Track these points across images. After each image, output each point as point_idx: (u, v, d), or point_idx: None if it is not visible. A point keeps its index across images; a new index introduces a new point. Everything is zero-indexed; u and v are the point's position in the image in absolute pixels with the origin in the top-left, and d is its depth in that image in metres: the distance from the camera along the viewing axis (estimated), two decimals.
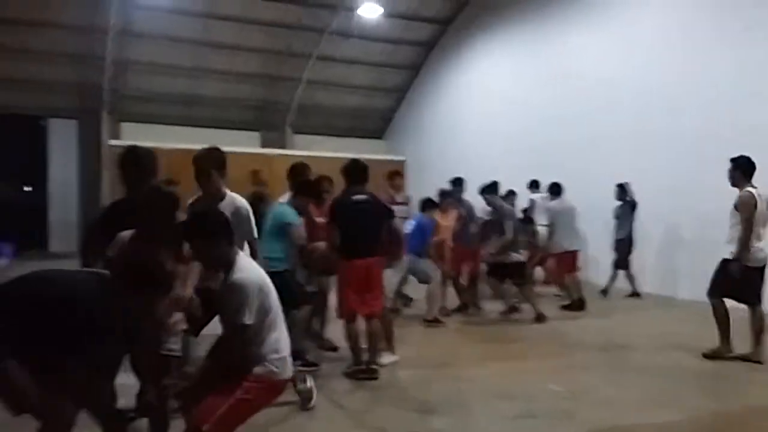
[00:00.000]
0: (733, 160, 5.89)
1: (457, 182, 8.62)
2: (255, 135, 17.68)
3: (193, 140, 15.75)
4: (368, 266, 5.24)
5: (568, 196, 9.11)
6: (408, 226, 7.35)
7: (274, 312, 3.14)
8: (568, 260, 8.78)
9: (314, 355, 5.58)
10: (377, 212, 5.38)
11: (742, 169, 5.82)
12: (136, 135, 13.34)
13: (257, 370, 3.05)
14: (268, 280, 3.17)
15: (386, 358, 5.53)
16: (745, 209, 5.65)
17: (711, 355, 5.87)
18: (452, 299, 8.20)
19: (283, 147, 17.36)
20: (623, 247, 9.44)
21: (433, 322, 7.34)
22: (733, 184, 5.87)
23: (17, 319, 2.48)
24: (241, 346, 3.05)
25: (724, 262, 5.81)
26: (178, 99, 16.34)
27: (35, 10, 13.77)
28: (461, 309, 8.18)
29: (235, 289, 3.00)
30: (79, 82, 15.28)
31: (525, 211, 10.03)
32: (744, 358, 5.75)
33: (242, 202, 4.23)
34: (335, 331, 5.84)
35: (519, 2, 13.80)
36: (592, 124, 11.28)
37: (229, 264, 3.08)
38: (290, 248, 5.27)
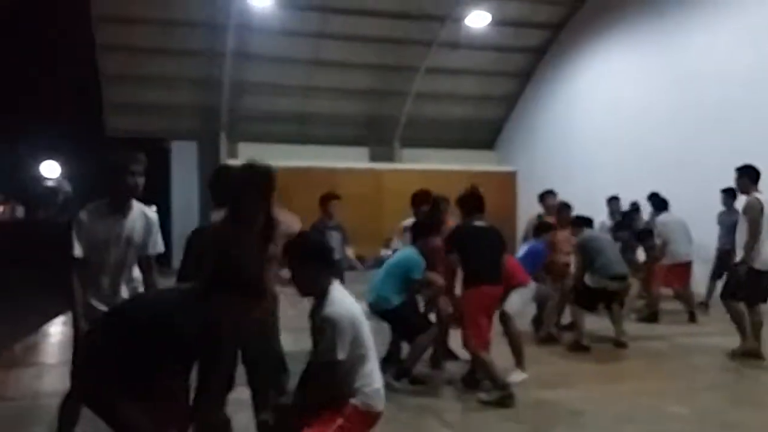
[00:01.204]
0: (738, 169, 6.30)
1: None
2: (364, 150, 17.85)
3: (306, 158, 16.28)
4: (498, 293, 5.14)
5: (699, 207, 8.54)
6: (520, 251, 7.09)
7: (366, 344, 3.03)
8: (681, 272, 8.37)
9: (423, 373, 5.51)
10: (500, 239, 5.28)
11: (748, 176, 6.23)
12: (252, 154, 13.72)
13: (352, 401, 2.95)
14: (360, 311, 3.07)
15: (516, 376, 5.31)
16: (752, 213, 6.01)
17: (737, 354, 6.20)
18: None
19: (391, 161, 17.41)
20: (726, 257, 8.31)
21: (546, 339, 7.02)
22: (742, 191, 6.36)
23: (123, 348, 2.44)
24: (332, 382, 2.95)
25: (734, 265, 6.23)
26: (291, 117, 16.80)
27: (158, 39, 14.66)
28: (572, 327, 7.59)
29: (328, 324, 2.91)
30: (199, 105, 16.07)
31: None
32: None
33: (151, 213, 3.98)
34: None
35: (634, 3, 13.15)
36: (726, 129, 10.46)
37: (322, 293, 3.00)
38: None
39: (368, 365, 3.03)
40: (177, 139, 17.07)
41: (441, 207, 5.99)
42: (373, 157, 17.69)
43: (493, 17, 14.71)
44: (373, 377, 3.03)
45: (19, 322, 7.70)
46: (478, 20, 14.82)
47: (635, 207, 10.01)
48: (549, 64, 16.59)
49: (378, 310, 5.45)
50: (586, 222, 7.36)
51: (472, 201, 5.30)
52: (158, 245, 3.86)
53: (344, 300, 3.02)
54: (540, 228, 7.27)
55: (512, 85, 17.74)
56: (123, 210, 3.68)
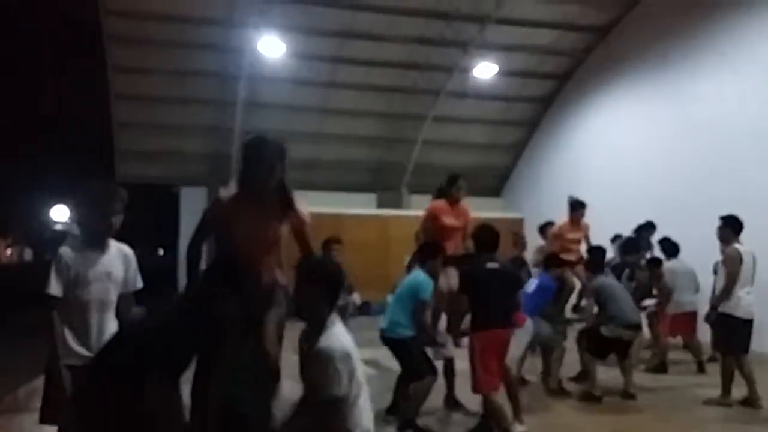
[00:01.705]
0: (723, 218, 6.53)
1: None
2: (372, 196, 17.96)
3: (314, 203, 16.33)
4: (508, 336, 5.11)
5: (705, 255, 8.46)
6: (530, 286, 7.04)
7: (358, 383, 2.98)
8: (685, 321, 8.32)
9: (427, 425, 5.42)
10: (512, 280, 5.31)
11: (731, 227, 6.47)
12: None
13: None
14: (355, 350, 3.02)
15: (517, 428, 5.22)
16: (732, 264, 6.28)
17: (711, 403, 6.35)
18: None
19: (399, 207, 17.49)
20: None
21: (558, 390, 6.88)
22: (721, 240, 6.56)
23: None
24: (337, 419, 2.89)
25: (706, 315, 6.51)
26: (299, 164, 16.97)
27: (171, 88, 14.99)
28: (579, 377, 7.40)
29: (322, 358, 2.86)
30: (209, 152, 16.29)
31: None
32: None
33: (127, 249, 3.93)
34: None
35: (640, 55, 13.38)
36: (733, 178, 10.49)
37: (321, 322, 2.97)
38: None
39: (359, 403, 2.98)
40: (186, 185, 17.27)
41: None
42: (381, 204, 17.78)
43: (500, 68, 14.96)
44: (362, 419, 2.98)
45: (24, 365, 7.68)
46: (485, 71, 15.07)
47: (650, 224, 9.79)
48: (555, 113, 16.79)
49: (389, 337, 5.42)
50: (599, 262, 7.26)
51: (487, 235, 5.29)
52: (138, 281, 3.84)
53: (342, 335, 2.98)
54: (549, 262, 7.26)
55: (519, 134, 17.93)
56: (101, 246, 3.64)
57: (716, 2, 11.57)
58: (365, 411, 3.00)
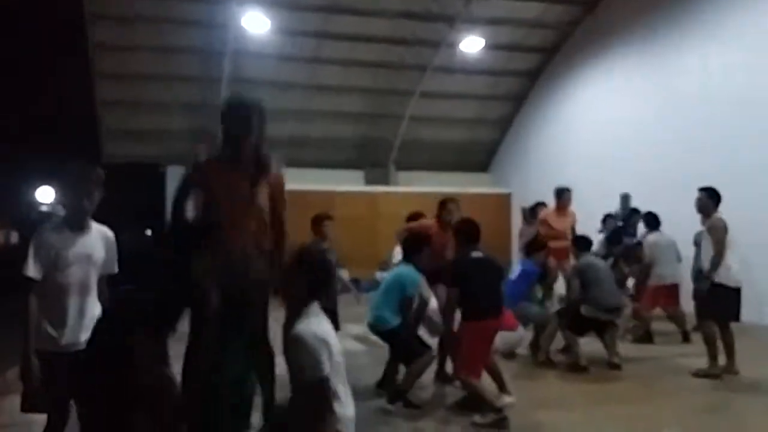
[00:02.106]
0: (703, 189, 6.55)
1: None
2: (359, 173, 17.93)
3: (302, 181, 16.32)
4: (497, 326, 5.18)
5: (693, 227, 8.51)
6: (513, 272, 7.10)
7: (337, 372, 3.01)
8: (667, 293, 8.37)
9: (419, 397, 5.49)
10: (499, 270, 5.33)
11: (710, 198, 6.48)
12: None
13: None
14: (333, 335, 3.05)
15: (505, 399, 5.27)
16: (718, 233, 6.29)
17: (699, 374, 6.36)
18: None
19: (386, 184, 17.48)
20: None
21: (544, 363, 6.94)
22: (701, 211, 6.53)
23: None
24: (325, 399, 2.92)
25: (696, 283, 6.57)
26: (286, 142, 16.88)
27: (155, 65, 14.80)
28: (567, 349, 7.36)
29: (297, 342, 2.90)
30: (194, 130, 16.14)
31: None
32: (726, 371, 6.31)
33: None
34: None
35: (626, 28, 13.35)
36: (720, 151, 10.54)
37: (299, 309, 3.02)
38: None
39: (339, 390, 3.01)
40: (172, 163, 17.13)
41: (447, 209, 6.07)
42: (369, 180, 17.76)
43: (486, 42, 14.89)
44: (345, 402, 3.02)
45: (12, 347, 7.66)
46: (472, 45, 14.99)
47: (635, 211, 9.96)
48: (542, 87, 16.75)
49: (376, 331, 5.48)
50: (586, 245, 7.34)
51: (468, 231, 5.32)
52: (114, 266, 3.72)
53: (320, 322, 3.01)
54: (533, 246, 7.28)
55: (506, 109, 17.90)
56: (82, 227, 3.52)
57: None
58: (347, 392, 3.05)
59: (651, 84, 12.61)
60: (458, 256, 5.37)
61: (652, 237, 8.66)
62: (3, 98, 21.78)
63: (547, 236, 8.18)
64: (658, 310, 8.65)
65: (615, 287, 7.13)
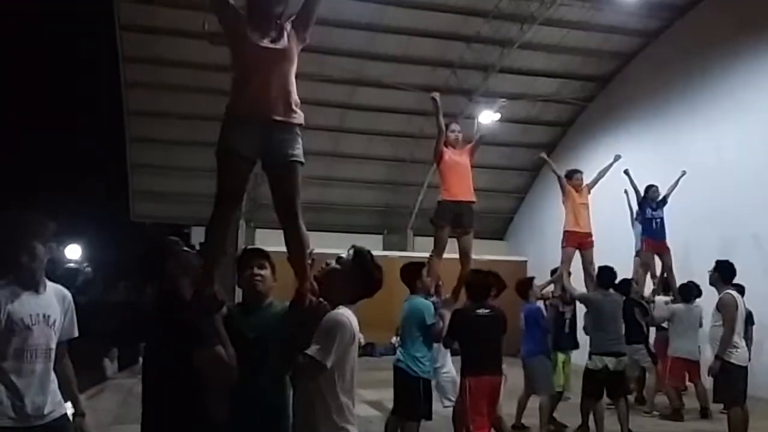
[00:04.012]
0: (715, 263, 6.46)
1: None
2: (378, 238, 18.28)
3: (321, 245, 16.67)
4: (498, 383, 5.27)
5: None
6: (521, 323, 7.13)
7: (352, 371, 2.94)
8: (689, 369, 8.35)
9: None
10: (499, 327, 5.40)
11: (721, 273, 6.36)
12: (269, 240, 14.14)
13: None
14: (357, 330, 2.97)
15: None
16: (728, 311, 6.16)
17: None
18: None
19: (404, 249, 17.79)
20: None
21: None
22: (711, 285, 6.46)
23: None
24: (303, 377, 2.84)
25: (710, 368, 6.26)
26: (309, 206, 17.32)
27: (184, 132, 15.51)
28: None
29: (332, 322, 2.83)
30: None
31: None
32: None
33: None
34: None
35: (640, 104, 13.84)
36: (732, 226, 10.78)
37: (333, 305, 2.96)
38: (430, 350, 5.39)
39: (348, 396, 2.91)
40: (197, 225, 17.64)
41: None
42: (387, 246, 18.09)
43: (502, 116, 15.44)
44: (350, 414, 2.91)
45: None
46: (488, 118, 15.54)
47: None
48: (557, 160, 17.09)
49: (400, 367, 5.39)
50: (606, 280, 7.10)
51: (478, 286, 5.44)
52: (74, 329, 3.34)
53: (353, 317, 2.96)
54: (522, 287, 7.35)
55: (522, 179, 18.33)
56: (37, 285, 3.13)
57: (714, 54, 12.02)
58: (352, 406, 2.94)
59: (664, 159, 12.93)
60: (462, 309, 5.47)
61: (677, 307, 8.67)
62: (37, 154, 22.67)
63: (574, 220, 8.29)
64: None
65: (620, 333, 6.95)
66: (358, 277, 3.03)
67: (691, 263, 10.75)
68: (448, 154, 6.47)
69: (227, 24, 3.11)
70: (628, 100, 14.43)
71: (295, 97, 3.11)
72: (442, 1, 13.20)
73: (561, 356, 7.70)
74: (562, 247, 8.34)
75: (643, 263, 9.69)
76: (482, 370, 5.18)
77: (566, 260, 8.15)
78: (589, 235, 8.41)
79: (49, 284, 3.24)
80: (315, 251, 3.11)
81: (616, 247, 13.02)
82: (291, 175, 3.09)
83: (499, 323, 5.40)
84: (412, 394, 5.35)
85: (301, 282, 3.00)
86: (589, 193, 8.78)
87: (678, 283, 9.18)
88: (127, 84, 14.47)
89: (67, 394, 3.38)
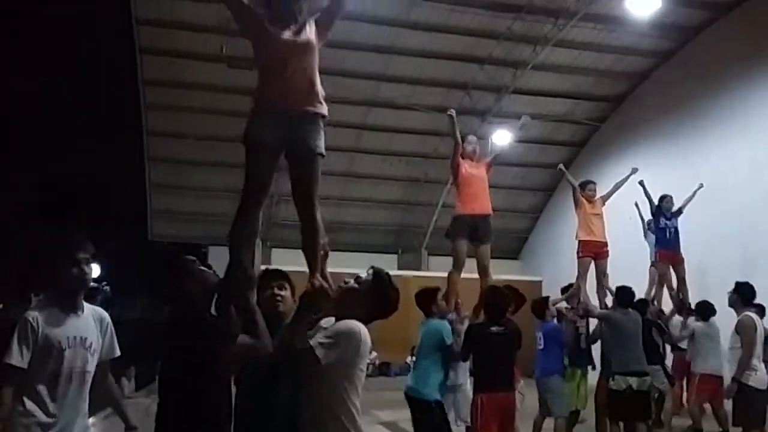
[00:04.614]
0: (735, 285, 6.38)
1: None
2: (393, 257, 18.37)
3: (337, 264, 16.80)
4: (510, 401, 5.28)
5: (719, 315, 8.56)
6: (538, 342, 7.08)
7: (360, 380, 2.94)
8: (715, 387, 8.02)
9: None
10: (513, 344, 5.39)
11: (741, 295, 6.29)
12: (285, 260, 14.29)
13: None
14: (369, 342, 2.98)
15: None
16: (746, 332, 6.09)
17: None
18: None
19: (419, 269, 17.85)
20: None
21: None
22: (731, 306, 6.37)
23: None
24: (284, 354, 2.86)
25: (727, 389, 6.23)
26: (324, 226, 17.47)
27: (203, 153, 15.78)
28: None
29: (343, 324, 2.85)
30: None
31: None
32: None
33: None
34: None
35: (653, 124, 13.89)
36: (745, 246, 10.76)
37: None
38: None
39: (356, 403, 2.90)
40: (214, 244, 17.85)
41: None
42: (401, 265, 18.16)
43: (516, 137, 15.53)
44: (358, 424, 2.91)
45: None
46: (502, 139, 15.63)
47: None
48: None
49: (413, 396, 5.37)
50: (625, 299, 6.92)
51: (495, 305, 5.40)
52: (115, 349, 3.36)
53: (366, 331, 2.95)
54: (538, 307, 7.28)
55: (537, 199, 18.39)
56: (74, 307, 3.13)
57: (726, 75, 12.09)
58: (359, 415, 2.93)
59: (677, 178, 12.89)
60: (477, 326, 5.49)
61: (697, 325, 8.53)
62: (56, 174, 23.03)
63: (587, 229, 8.33)
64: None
65: (641, 351, 6.75)
66: (376, 298, 3.05)
67: (708, 283, 10.72)
68: (465, 167, 6.56)
69: (245, 20, 3.19)
70: (640, 120, 14.49)
71: (319, 87, 3.19)
72: (455, 24, 13.40)
73: (578, 372, 7.61)
74: (578, 257, 8.33)
75: (660, 274, 9.57)
76: (494, 386, 5.19)
77: (583, 271, 8.14)
78: (605, 244, 8.42)
79: (86, 306, 3.23)
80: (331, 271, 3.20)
81: (632, 260, 13.07)
82: (312, 167, 3.16)
83: (513, 340, 5.40)
84: (430, 418, 5.32)
85: (312, 272, 3.07)
86: (603, 204, 8.79)
87: (693, 302, 9.10)
88: (146, 105, 14.78)
89: (117, 411, 3.48)
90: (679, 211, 10.01)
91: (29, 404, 2.92)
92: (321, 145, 3.16)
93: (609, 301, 7.85)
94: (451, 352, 5.41)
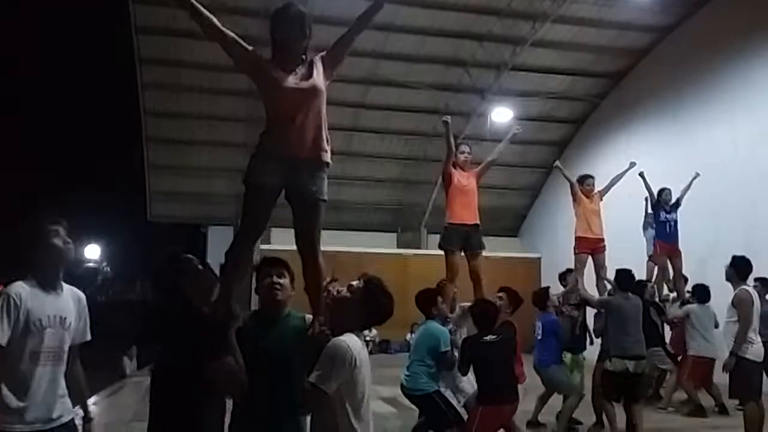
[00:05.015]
0: (732, 257, 6.34)
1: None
2: (392, 236, 18.42)
3: (336, 243, 16.86)
4: (510, 412, 5.31)
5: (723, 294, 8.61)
6: (537, 332, 7.14)
7: (364, 396, 2.97)
8: (705, 370, 8.27)
9: None
10: (508, 351, 5.40)
11: (737, 269, 6.27)
12: (285, 240, 14.29)
13: None
14: (366, 356, 3.03)
15: None
16: (743, 307, 6.09)
17: None
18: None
19: (418, 247, 17.90)
20: None
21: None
22: (728, 280, 6.34)
23: None
24: (311, 407, 2.94)
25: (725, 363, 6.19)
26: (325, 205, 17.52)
27: (202, 132, 15.73)
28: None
29: (330, 352, 2.87)
30: (236, 193, 16.93)
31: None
32: None
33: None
34: None
35: (653, 100, 13.84)
36: (746, 221, 10.80)
37: (341, 333, 3.01)
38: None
39: (362, 424, 2.96)
40: (214, 224, 17.88)
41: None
42: (401, 243, 18.22)
43: (515, 113, 15.49)
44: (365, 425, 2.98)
45: None
46: (502, 116, 15.60)
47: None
48: (571, 157, 17.15)
49: (410, 393, 5.45)
50: (626, 282, 6.97)
51: (484, 315, 5.41)
52: (87, 333, 3.29)
53: (356, 342, 3.00)
54: (538, 299, 7.30)
55: (535, 177, 18.37)
56: (55, 285, 3.10)
57: (727, 50, 12.00)
58: (367, 421, 3.01)
59: (678, 155, 12.93)
60: (471, 338, 5.52)
61: (693, 307, 8.67)
62: (57, 155, 23.02)
63: (586, 226, 8.37)
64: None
65: (640, 334, 6.84)
66: (369, 306, 3.09)
67: (715, 258, 10.76)
68: (457, 177, 6.53)
69: (247, 67, 3.26)
70: (640, 96, 14.44)
71: (325, 133, 3.26)
72: (454, 1, 13.29)
73: (569, 356, 7.67)
74: (575, 254, 8.40)
75: (660, 267, 9.66)
76: (496, 400, 5.19)
77: (580, 267, 8.21)
78: (602, 240, 8.46)
79: (65, 286, 3.18)
80: (332, 279, 3.27)
81: (626, 253, 13.10)
82: (315, 212, 3.23)
83: (507, 347, 5.41)
84: (436, 407, 5.35)
85: (315, 313, 3.14)
86: (601, 199, 8.82)
87: (693, 284, 9.19)
88: (143, 85, 14.70)
89: (77, 398, 3.38)
90: (677, 203, 10.05)
91: (4, 391, 2.89)
92: (324, 191, 3.25)
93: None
94: (445, 361, 5.43)
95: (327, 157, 3.27)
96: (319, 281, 3.21)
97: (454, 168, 6.58)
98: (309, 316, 3.22)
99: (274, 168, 3.14)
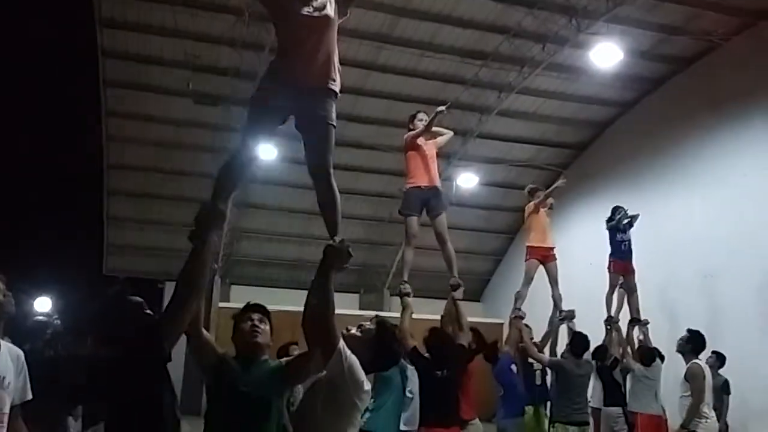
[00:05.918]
0: (688, 330, 6.51)
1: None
2: (354, 297, 18.20)
3: (297, 302, 16.58)
4: None
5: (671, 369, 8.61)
6: (497, 389, 6.99)
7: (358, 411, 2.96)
8: (653, 424, 8.07)
9: None
10: (454, 383, 5.39)
11: (693, 343, 6.39)
12: (245, 297, 14.00)
13: None
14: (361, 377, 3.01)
15: None
16: (695, 381, 6.16)
17: None
18: None
19: (381, 309, 17.68)
20: None
21: None
22: (678, 352, 6.51)
23: None
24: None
25: None
26: (286, 264, 17.32)
27: (163, 186, 15.52)
28: None
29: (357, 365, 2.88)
30: None
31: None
32: None
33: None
34: None
35: (613, 172, 14.18)
36: (704, 294, 10.92)
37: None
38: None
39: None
40: (171, 280, 17.41)
41: None
42: (363, 305, 17.99)
43: (480, 180, 15.70)
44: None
45: None
46: (467, 181, 15.78)
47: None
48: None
49: None
50: (578, 347, 7.09)
51: (436, 348, 5.35)
52: (28, 392, 3.10)
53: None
54: (489, 354, 7.32)
55: (499, 242, 18.50)
56: None
57: (686, 126, 12.45)
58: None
59: (637, 225, 13.16)
60: (425, 369, 5.40)
61: (638, 367, 8.50)
62: (11, 204, 22.42)
63: (537, 236, 8.78)
64: None
65: (584, 399, 6.88)
66: (377, 349, 3.10)
67: (672, 327, 10.84)
68: (422, 139, 6.60)
69: None
70: (602, 167, 14.79)
71: (335, 63, 3.26)
72: (423, 69, 13.61)
73: (530, 410, 7.51)
74: (525, 260, 8.47)
75: (611, 284, 9.97)
76: (432, 421, 5.12)
77: (529, 273, 8.32)
78: (552, 248, 8.81)
79: (2, 343, 3.01)
80: (291, 342, 3.34)
81: (593, 315, 13.15)
82: (326, 135, 3.28)
83: (456, 383, 5.38)
84: None
85: (331, 236, 3.27)
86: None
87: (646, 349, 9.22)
88: (107, 137, 14.52)
89: None
90: (630, 224, 10.45)
91: None
92: (333, 117, 3.27)
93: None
94: (406, 404, 5.37)
95: (336, 86, 3.29)
96: (336, 204, 3.38)
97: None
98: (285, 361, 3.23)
99: (281, 90, 3.15)
